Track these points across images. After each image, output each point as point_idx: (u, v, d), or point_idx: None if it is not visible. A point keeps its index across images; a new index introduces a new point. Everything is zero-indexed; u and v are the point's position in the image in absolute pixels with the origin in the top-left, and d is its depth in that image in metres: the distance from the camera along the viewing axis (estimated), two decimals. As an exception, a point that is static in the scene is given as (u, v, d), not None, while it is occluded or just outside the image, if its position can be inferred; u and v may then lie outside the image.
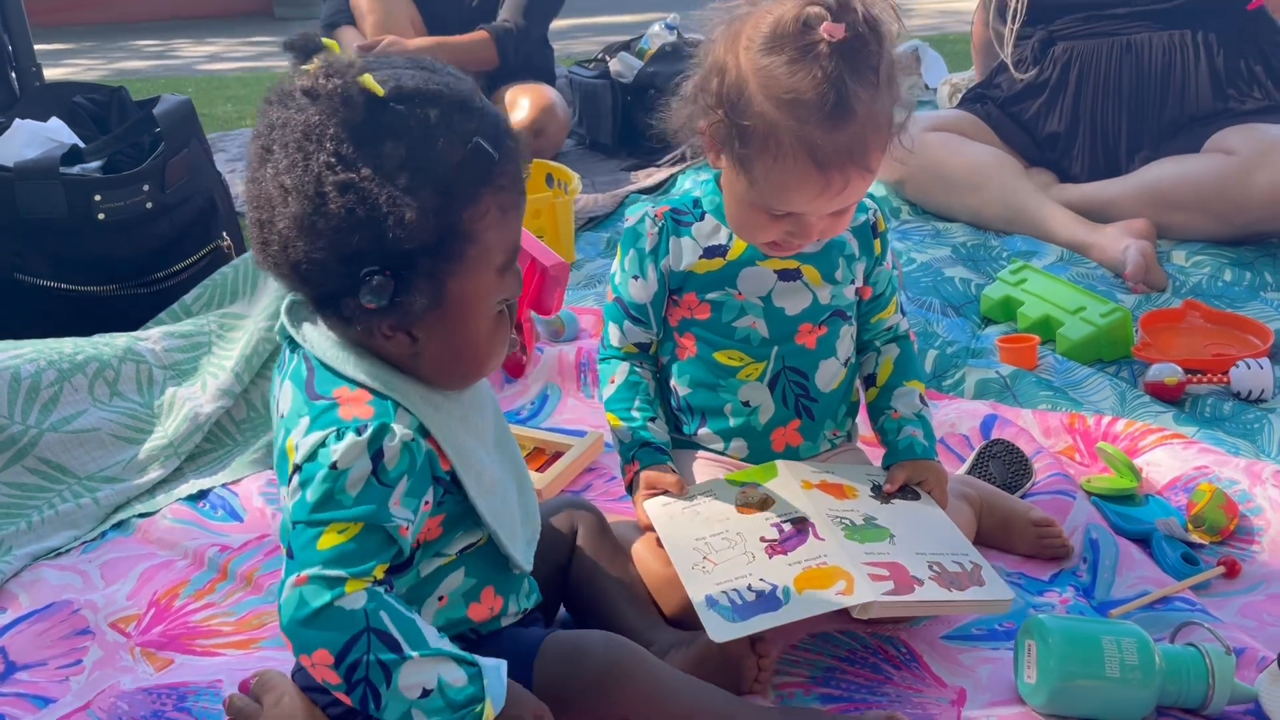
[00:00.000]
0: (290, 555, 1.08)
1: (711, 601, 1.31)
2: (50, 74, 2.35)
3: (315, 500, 1.06)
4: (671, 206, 1.54)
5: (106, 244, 2.07)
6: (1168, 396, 2.03)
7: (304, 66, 1.08)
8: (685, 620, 1.40)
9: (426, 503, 1.12)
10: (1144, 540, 1.63)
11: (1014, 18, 2.92)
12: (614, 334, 1.57)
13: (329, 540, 1.06)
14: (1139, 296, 2.43)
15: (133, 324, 2.03)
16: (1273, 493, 1.68)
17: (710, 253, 1.50)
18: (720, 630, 1.28)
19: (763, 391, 1.52)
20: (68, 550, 1.66)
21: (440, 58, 3.56)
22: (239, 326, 1.97)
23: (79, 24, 8.11)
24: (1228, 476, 1.73)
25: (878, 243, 1.56)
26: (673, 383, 1.57)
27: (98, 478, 1.78)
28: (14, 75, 2.63)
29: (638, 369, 1.56)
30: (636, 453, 1.51)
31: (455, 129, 1.06)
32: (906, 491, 1.52)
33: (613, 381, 1.56)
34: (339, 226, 1.04)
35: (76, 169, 2.07)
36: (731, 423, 1.54)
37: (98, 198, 2.03)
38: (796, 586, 1.32)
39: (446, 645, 1.09)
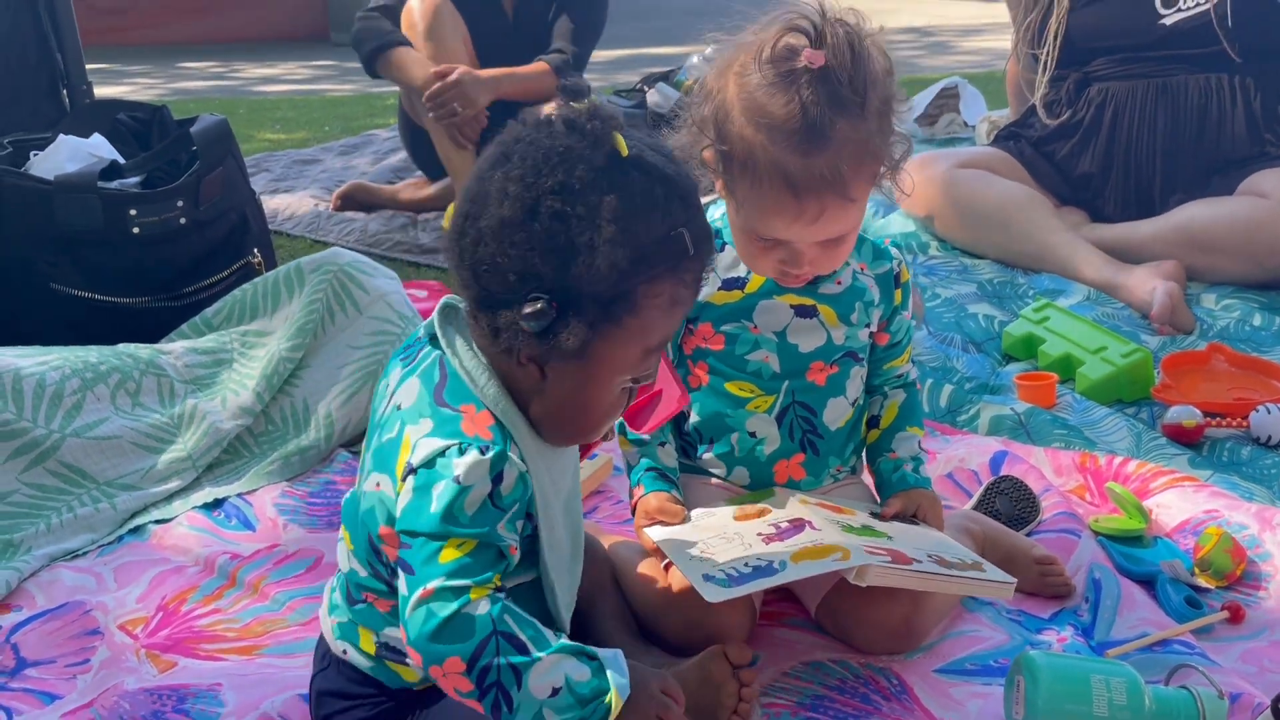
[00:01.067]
0: (410, 571, 1.12)
1: (709, 577, 1.32)
2: (110, 91, 2.44)
3: (439, 512, 1.10)
4: None
5: (140, 257, 2.13)
6: (1185, 439, 2.02)
7: (575, 104, 1.15)
8: (682, 644, 1.42)
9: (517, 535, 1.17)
10: (1149, 582, 1.63)
11: (1044, 69, 2.92)
12: None
13: (449, 554, 1.11)
14: (1164, 338, 2.42)
15: (160, 336, 2.08)
16: (1283, 539, 1.67)
17: (729, 284, 1.52)
18: (715, 594, 1.29)
19: (770, 424, 1.54)
20: (85, 553, 1.70)
21: (508, 87, 3.63)
22: (260, 344, 2.02)
23: (146, 44, 8.32)
24: (1237, 521, 1.71)
25: (899, 292, 1.57)
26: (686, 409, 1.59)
27: (116, 484, 1.83)
28: (65, 92, 2.71)
29: None
30: (642, 477, 1.53)
31: (669, 211, 1.14)
32: (903, 519, 1.53)
33: None
34: (533, 243, 1.10)
35: (115, 184, 2.14)
36: (736, 451, 1.55)
37: (133, 212, 2.09)
38: (793, 559, 1.34)
39: (567, 642, 1.14)
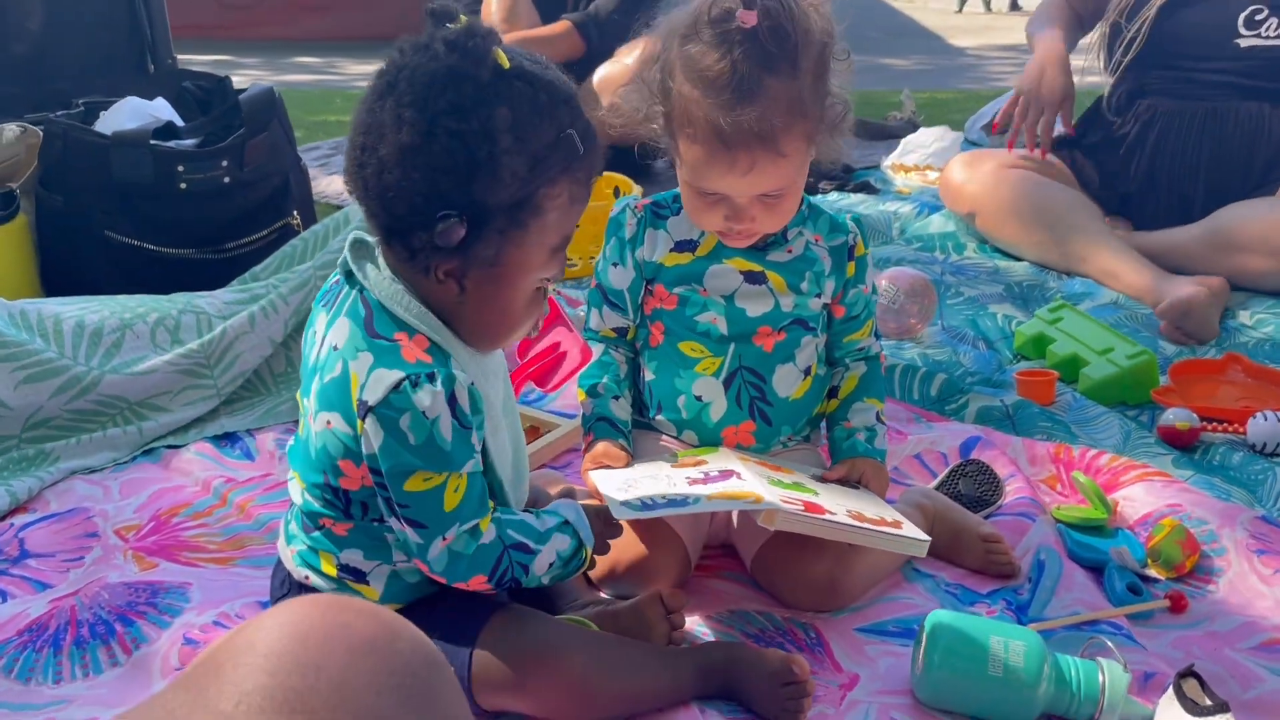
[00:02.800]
0: (422, 525, 1.21)
1: (625, 502, 1.40)
2: None
3: (422, 446, 1.18)
4: (654, 199, 1.64)
5: (186, 211, 2.30)
6: (1179, 442, 2.02)
7: (450, 25, 1.20)
8: (610, 582, 1.52)
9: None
10: (1098, 569, 1.65)
11: (1117, 64, 2.89)
12: (594, 318, 1.68)
13: (451, 500, 1.21)
14: (1183, 347, 2.41)
15: (206, 284, 2.22)
16: (1242, 536, 1.68)
17: (681, 247, 1.60)
18: (624, 513, 1.38)
19: (716, 388, 1.60)
20: (101, 469, 1.85)
21: (526, 49, 3.73)
22: (295, 277, 2.13)
23: (270, 39, 8.68)
24: (1198, 516, 1.73)
25: (852, 265, 1.62)
26: (643, 368, 1.67)
27: (148, 404, 1.97)
28: (152, 64, 2.91)
29: (611, 351, 1.67)
30: (593, 426, 1.61)
31: (557, 116, 1.20)
32: (845, 484, 1.58)
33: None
34: (436, 164, 1.15)
35: (172, 143, 2.30)
36: (684, 414, 1.62)
37: (181, 168, 2.26)
38: (707, 497, 1.42)
39: (550, 522, 1.31)
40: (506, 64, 1.18)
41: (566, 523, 1.31)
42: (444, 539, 1.22)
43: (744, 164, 1.43)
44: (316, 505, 1.28)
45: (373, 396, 1.18)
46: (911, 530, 1.46)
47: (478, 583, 1.26)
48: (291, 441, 1.35)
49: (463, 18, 1.20)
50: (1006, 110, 2.90)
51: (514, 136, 1.16)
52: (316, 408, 1.25)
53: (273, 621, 0.76)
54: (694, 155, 1.47)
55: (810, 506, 1.42)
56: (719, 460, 1.53)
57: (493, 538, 1.25)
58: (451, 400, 1.19)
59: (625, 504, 1.39)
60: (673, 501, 1.40)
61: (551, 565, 1.29)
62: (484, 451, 1.28)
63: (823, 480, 1.57)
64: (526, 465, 1.42)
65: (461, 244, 1.18)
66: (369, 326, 1.22)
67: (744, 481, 1.45)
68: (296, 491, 1.32)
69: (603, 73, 3.40)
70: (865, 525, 1.41)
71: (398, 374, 1.18)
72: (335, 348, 1.23)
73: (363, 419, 1.19)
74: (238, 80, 2.62)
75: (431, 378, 1.18)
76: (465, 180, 1.16)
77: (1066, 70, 2.84)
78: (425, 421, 1.18)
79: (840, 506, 1.45)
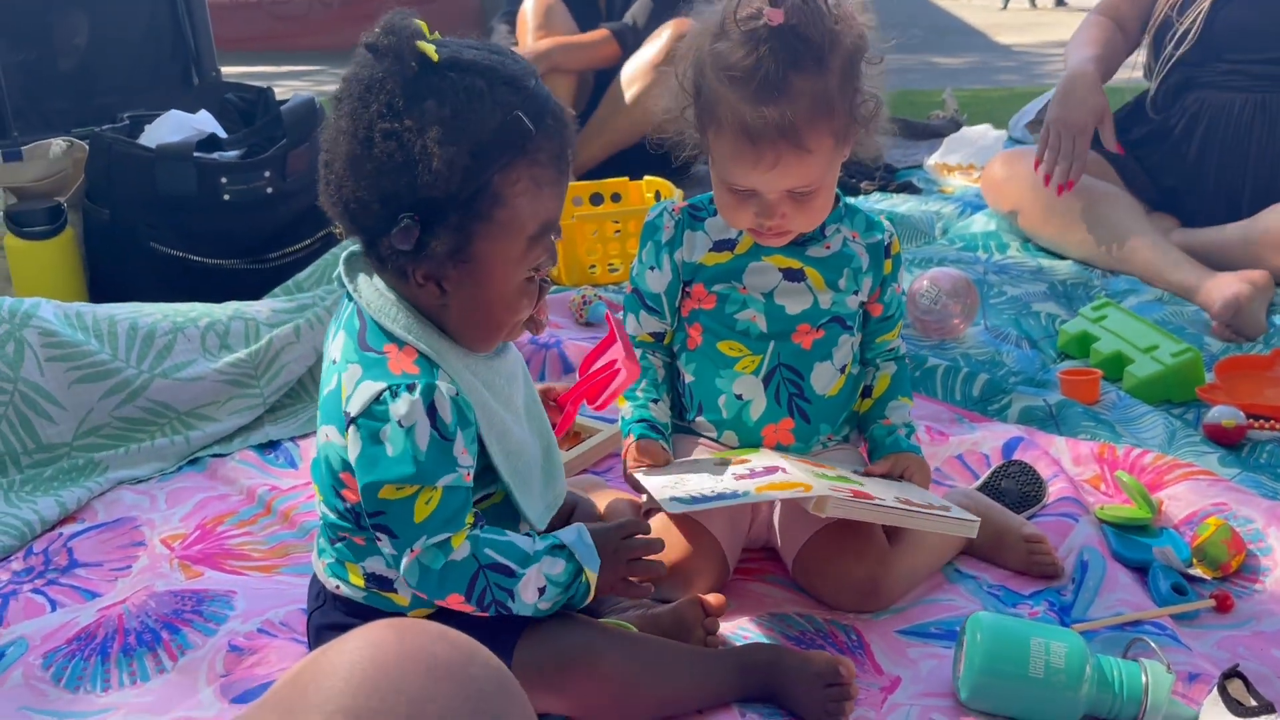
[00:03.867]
0: (392, 534, 1.20)
1: (675, 497, 1.41)
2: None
3: (398, 458, 1.17)
4: (690, 202, 1.65)
5: (230, 222, 2.33)
6: (1226, 440, 1.99)
7: (375, 28, 1.18)
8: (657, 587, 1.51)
9: (477, 450, 1.25)
10: (1143, 569, 1.63)
11: (1176, 42, 2.84)
12: (630, 323, 1.69)
13: (422, 511, 1.19)
14: (1228, 344, 2.38)
15: (250, 294, 2.25)
16: (1290, 535, 1.65)
17: (720, 246, 1.61)
18: (675, 507, 1.38)
19: (756, 386, 1.60)
20: (149, 479, 1.88)
21: (560, 57, 3.72)
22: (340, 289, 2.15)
23: (319, 49, 8.79)
24: (1244, 515, 1.70)
25: (889, 263, 1.63)
26: (681, 371, 1.67)
27: (195, 414, 2.00)
28: (195, 75, 2.96)
29: (649, 355, 1.67)
30: (633, 429, 1.62)
31: (499, 100, 1.17)
32: (889, 478, 1.58)
33: None
34: (380, 169, 1.15)
35: (215, 155, 2.34)
36: (724, 414, 1.63)
37: (224, 180, 2.29)
38: (756, 489, 1.42)
39: (539, 545, 1.25)
40: (434, 56, 1.15)
41: (560, 546, 1.26)
42: (411, 551, 1.20)
43: (769, 159, 1.44)
44: (333, 517, 1.29)
45: (355, 408, 1.19)
46: (959, 513, 1.45)
47: (456, 602, 1.23)
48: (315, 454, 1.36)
49: (389, 17, 1.17)
50: (1040, 145, 2.83)
51: (444, 127, 1.14)
52: (320, 420, 1.27)
53: (353, 645, 0.78)
54: (721, 151, 1.48)
55: (858, 494, 1.42)
56: (762, 459, 1.54)
57: (465, 555, 1.21)
58: (431, 410, 1.18)
59: (675, 499, 1.40)
60: (722, 495, 1.40)
61: (544, 591, 1.24)
62: (485, 454, 1.26)
63: (867, 475, 1.57)
64: (560, 467, 1.41)
65: (422, 244, 1.17)
66: (361, 339, 1.23)
67: (790, 474, 1.45)
68: (319, 504, 1.33)
69: (627, 70, 3.42)
70: (915, 508, 1.41)
71: (380, 385, 1.18)
72: (334, 361, 1.25)
73: (345, 431, 1.21)
74: (288, 91, 2.66)
75: (411, 388, 1.18)
76: (409, 180, 1.15)
77: (1095, 90, 2.77)
78: (401, 431, 1.17)
79: (889, 493, 1.45)
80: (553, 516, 1.39)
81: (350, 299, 1.26)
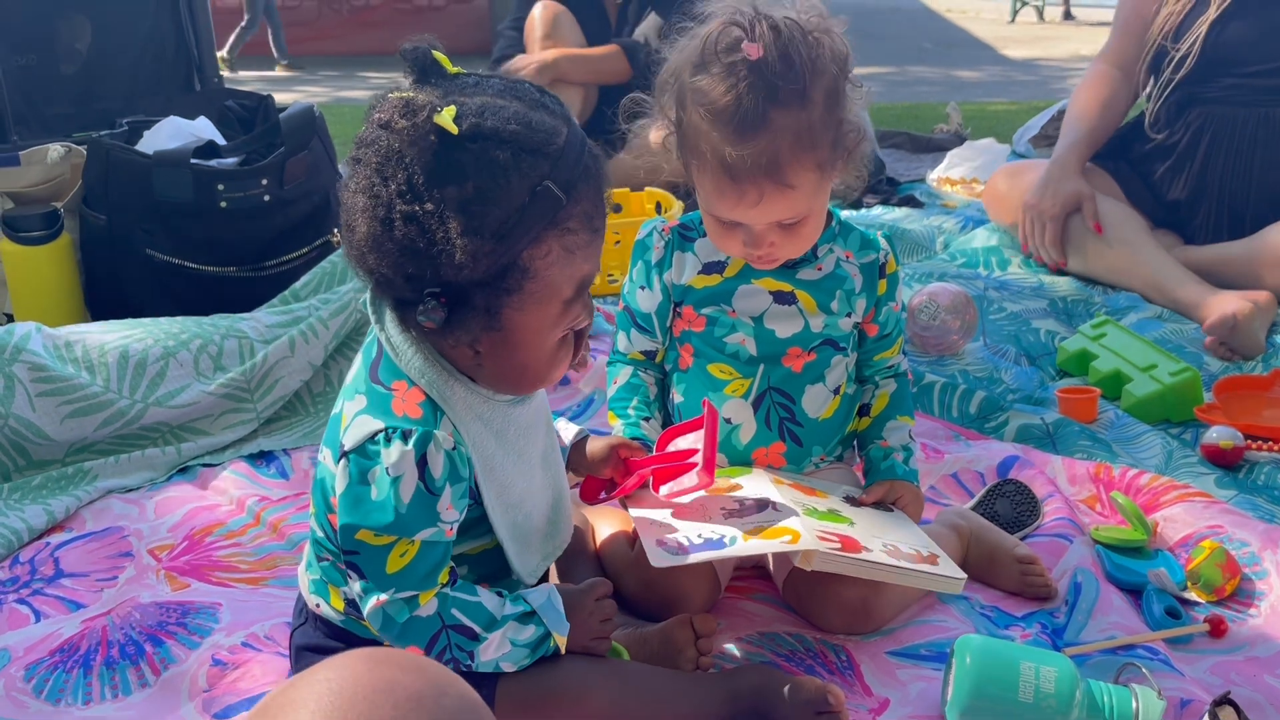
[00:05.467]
0: (361, 576, 1.18)
1: (661, 543, 1.39)
2: (281, 98, 2.65)
3: (379, 508, 1.14)
4: (681, 222, 1.63)
5: (227, 229, 2.32)
6: (1223, 461, 1.98)
7: (390, 94, 1.12)
8: (645, 607, 1.50)
9: (467, 504, 1.23)
10: (1137, 592, 1.62)
11: (1165, 81, 2.84)
12: (622, 341, 1.67)
13: (396, 563, 1.16)
14: (1228, 363, 2.36)
15: (246, 302, 2.24)
16: (1285, 560, 1.64)
17: (709, 269, 1.58)
18: (661, 560, 1.34)
19: (745, 410, 1.59)
20: (138, 488, 1.87)
21: (567, 67, 3.72)
22: (335, 298, 2.14)
23: (328, 54, 8.84)
24: (1239, 538, 1.69)
25: (883, 283, 1.61)
26: (672, 391, 1.66)
27: (189, 428, 1.99)
28: (197, 81, 2.96)
29: (640, 374, 1.66)
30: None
31: (525, 172, 1.10)
32: (880, 507, 1.56)
33: (616, 383, 1.67)
34: (402, 251, 1.10)
35: (213, 162, 2.33)
36: None
37: (221, 187, 2.28)
38: (744, 536, 1.39)
39: (508, 609, 1.22)
40: (454, 130, 1.08)
41: (530, 613, 1.23)
42: (378, 599, 1.18)
43: (752, 196, 1.42)
44: (320, 536, 1.28)
45: (349, 442, 1.17)
46: (947, 566, 1.43)
47: (415, 652, 1.19)
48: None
49: (397, 94, 1.12)
50: (1020, 229, 2.90)
51: (465, 215, 1.08)
52: (324, 440, 1.25)
53: (323, 676, 0.77)
54: (704, 185, 1.46)
55: (846, 541, 1.39)
56: (754, 484, 1.52)
57: (431, 613, 1.19)
58: (421, 463, 1.15)
59: (661, 544, 1.38)
60: (709, 542, 1.38)
61: (507, 654, 1.22)
62: (481, 505, 1.23)
63: (858, 503, 1.55)
64: (567, 519, 1.39)
65: (449, 321, 1.13)
66: (374, 370, 1.21)
67: (779, 514, 1.43)
68: (312, 518, 1.31)
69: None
70: (902, 564, 1.39)
71: (377, 425, 1.16)
72: (347, 384, 1.24)
73: (338, 462, 1.18)
74: (297, 96, 2.65)
75: (406, 435, 1.15)
76: (431, 264, 1.10)
77: (1071, 178, 2.82)
78: (388, 479, 1.14)
79: (876, 541, 1.43)
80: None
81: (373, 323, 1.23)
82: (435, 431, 1.16)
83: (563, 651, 1.25)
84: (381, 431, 1.15)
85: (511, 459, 1.26)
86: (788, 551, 1.37)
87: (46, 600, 1.59)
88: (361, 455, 1.16)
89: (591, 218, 1.17)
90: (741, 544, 1.37)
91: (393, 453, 1.14)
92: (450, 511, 1.18)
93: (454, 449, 1.17)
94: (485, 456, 1.22)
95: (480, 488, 1.23)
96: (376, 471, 1.15)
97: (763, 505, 1.47)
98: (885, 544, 1.43)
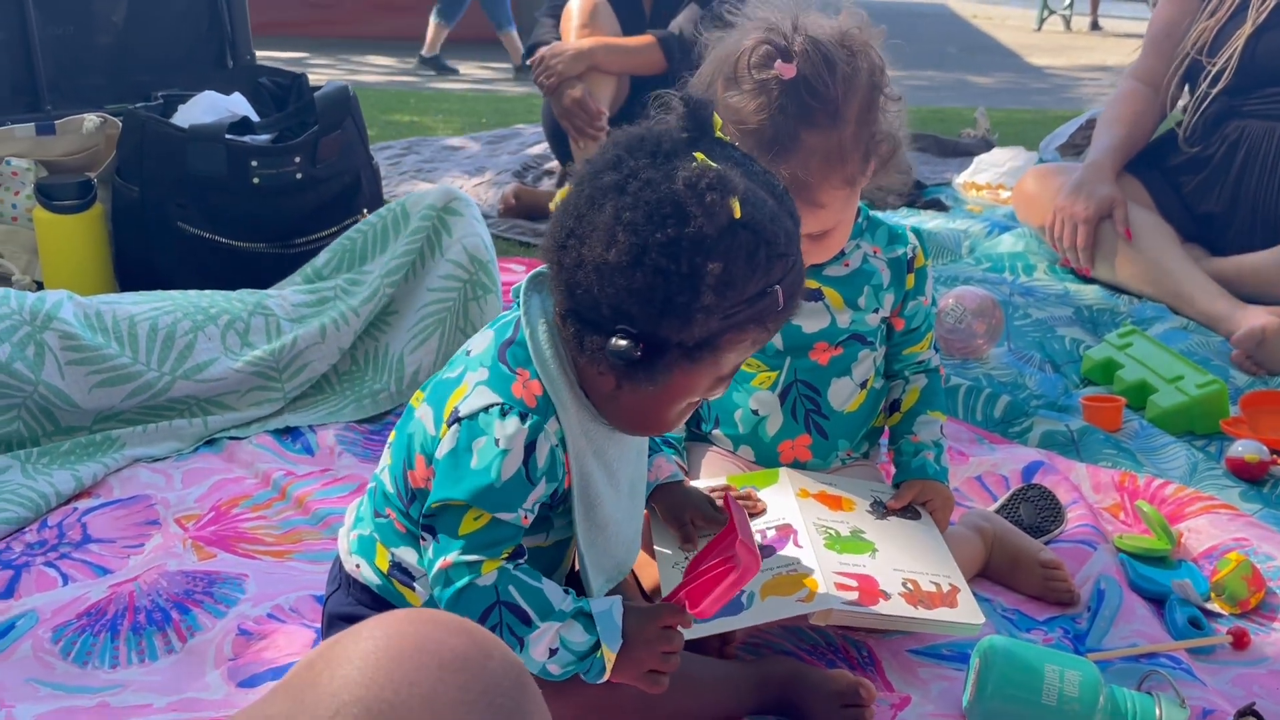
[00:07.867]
0: (435, 538, 1.19)
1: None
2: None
3: (478, 475, 1.16)
4: None
5: (258, 206, 2.33)
6: (1248, 475, 1.97)
7: (692, 161, 1.12)
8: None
9: (543, 502, 1.23)
10: (1160, 601, 1.62)
11: (1204, 93, 2.83)
12: None
13: (468, 526, 1.17)
14: (1254, 377, 2.36)
15: (274, 279, 2.25)
16: (1310, 574, 1.64)
17: None
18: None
19: (773, 402, 1.59)
20: (165, 458, 1.88)
21: (602, 57, 3.71)
22: (363, 281, 2.15)
23: (350, 37, 8.83)
24: (1265, 551, 1.69)
25: (911, 277, 1.61)
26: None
27: (215, 402, 2.01)
28: (230, 57, 2.97)
29: None
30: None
31: (769, 272, 1.14)
32: (908, 510, 1.56)
33: None
34: (634, 291, 1.11)
35: (247, 138, 2.34)
36: (740, 429, 1.61)
37: (254, 163, 2.29)
38: (761, 593, 1.38)
39: (568, 604, 1.20)
40: (738, 214, 1.11)
41: (587, 614, 1.20)
42: (445, 559, 1.18)
43: None
44: (389, 488, 1.28)
45: (466, 409, 1.18)
46: (966, 604, 1.41)
47: None
48: (393, 435, 1.32)
49: (699, 156, 1.13)
50: (1049, 231, 2.88)
51: (717, 294, 1.11)
52: (426, 395, 1.26)
53: (368, 634, 0.77)
54: None
55: (864, 584, 1.39)
56: (777, 503, 1.51)
57: (489, 584, 1.18)
58: (530, 447, 1.17)
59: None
60: (726, 607, 1.31)
61: (554, 653, 1.19)
62: (557, 513, 1.24)
63: (888, 509, 1.54)
64: (637, 548, 1.37)
65: (630, 364, 1.14)
66: (503, 350, 1.22)
67: (801, 550, 1.42)
68: (383, 469, 1.30)
69: None
70: (919, 614, 1.38)
71: (497, 398, 1.18)
72: (469, 353, 1.24)
73: (448, 425, 1.19)
74: (315, 78, 2.66)
75: (524, 416, 1.17)
76: (656, 315, 1.11)
77: (1105, 182, 2.81)
78: (495, 451, 1.16)
79: (896, 577, 1.42)
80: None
81: (518, 305, 1.24)
82: (547, 425, 1.18)
83: (607, 670, 1.19)
84: (499, 405, 1.17)
85: (603, 478, 1.27)
86: (805, 611, 1.35)
87: (74, 564, 1.60)
88: (472, 422, 1.17)
89: (778, 327, 1.21)
90: (759, 605, 1.36)
91: (508, 426, 1.16)
92: (532, 503, 1.19)
93: (556, 446, 1.19)
94: (583, 470, 1.23)
95: (574, 498, 1.23)
96: (483, 441, 1.17)
97: (785, 535, 1.46)
98: (905, 579, 1.42)
